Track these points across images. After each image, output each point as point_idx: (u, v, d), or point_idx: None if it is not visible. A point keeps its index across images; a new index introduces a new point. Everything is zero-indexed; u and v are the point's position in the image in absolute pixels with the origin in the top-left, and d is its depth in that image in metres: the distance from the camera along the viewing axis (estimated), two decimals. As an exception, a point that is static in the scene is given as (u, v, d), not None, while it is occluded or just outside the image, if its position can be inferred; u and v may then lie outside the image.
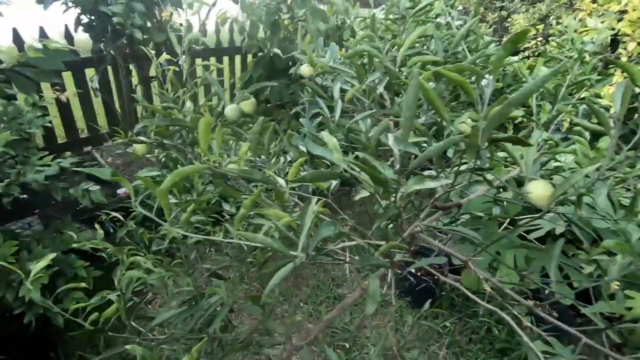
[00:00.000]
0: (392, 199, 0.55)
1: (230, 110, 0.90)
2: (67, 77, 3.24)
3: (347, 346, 2.21)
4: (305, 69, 1.14)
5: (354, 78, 1.00)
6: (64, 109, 3.23)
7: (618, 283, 1.08)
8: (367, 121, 0.88)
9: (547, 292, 2.06)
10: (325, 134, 0.62)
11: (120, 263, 0.76)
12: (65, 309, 1.95)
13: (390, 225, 0.83)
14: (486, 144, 0.61)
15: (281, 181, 0.67)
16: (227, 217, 1.31)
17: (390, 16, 0.96)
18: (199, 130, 0.63)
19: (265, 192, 1.11)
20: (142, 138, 0.91)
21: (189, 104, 0.93)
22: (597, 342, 0.83)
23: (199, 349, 0.60)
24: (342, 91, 1.52)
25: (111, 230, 2.76)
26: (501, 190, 1.02)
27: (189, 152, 1.05)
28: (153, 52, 1.09)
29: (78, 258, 1.98)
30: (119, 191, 2.74)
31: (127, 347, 0.64)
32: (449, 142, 0.50)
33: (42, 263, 0.84)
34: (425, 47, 0.98)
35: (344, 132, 0.86)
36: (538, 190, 0.74)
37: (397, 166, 0.51)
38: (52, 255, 0.88)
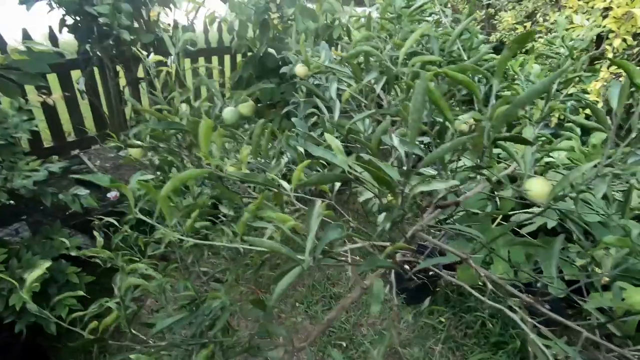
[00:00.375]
0: (397, 199, 0.55)
1: (229, 112, 0.89)
2: (53, 79, 3.18)
3: (344, 345, 2.21)
4: (300, 69, 1.13)
5: (350, 78, 1.00)
6: (50, 112, 3.17)
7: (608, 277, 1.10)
8: (365, 121, 0.88)
9: (539, 285, 2.09)
10: (328, 136, 0.62)
11: (120, 270, 0.75)
12: (58, 316, 1.93)
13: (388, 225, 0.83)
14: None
15: (285, 184, 0.67)
16: (223, 219, 1.30)
17: (387, 15, 0.96)
18: (200, 134, 0.62)
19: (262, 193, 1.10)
20: (137, 142, 0.90)
21: (184, 107, 0.92)
22: (590, 333, 0.84)
23: (206, 356, 0.60)
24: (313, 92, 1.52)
25: (102, 235, 2.72)
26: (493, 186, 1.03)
27: (184, 155, 1.04)
28: (145, 53, 1.07)
29: (69, 264, 1.94)
30: (108, 195, 2.70)
31: (132, 356, 0.63)
32: (457, 142, 0.50)
33: (38, 272, 0.82)
34: (420, 47, 0.98)
35: (342, 132, 0.86)
36: (537, 187, 0.75)
37: (405, 167, 0.51)
38: (47, 264, 0.86)
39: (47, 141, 3.37)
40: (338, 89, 1.10)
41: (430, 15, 1.07)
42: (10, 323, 1.79)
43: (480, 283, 2.62)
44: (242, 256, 1.58)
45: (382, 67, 0.95)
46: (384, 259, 0.59)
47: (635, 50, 2.04)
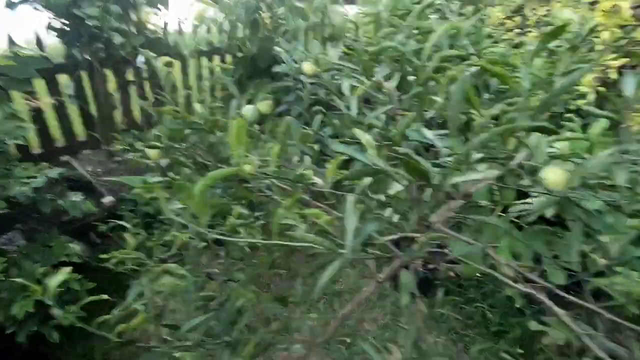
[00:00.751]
0: (432, 190, 0.56)
1: (249, 111, 0.90)
2: (40, 84, 3.10)
3: (348, 341, 2.23)
4: (307, 67, 1.13)
5: (362, 74, 1.01)
6: (38, 117, 3.10)
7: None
8: (381, 117, 0.90)
9: (537, 273, 2.14)
10: (358, 132, 0.63)
11: (147, 272, 0.74)
12: (59, 324, 1.89)
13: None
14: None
15: (319, 180, 0.68)
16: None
17: (398, 12, 0.97)
18: (232, 134, 0.63)
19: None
20: (156, 143, 0.90)
21: (199, 107, 0.92)
22: (585, 319, 0.87)
23: (250, 351, 0.60)
24: (329, 90, 1.53)
25: (98, 241, 2.68)
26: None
27: (197, 155, 1.04)
28: (152, 55, 1.06)
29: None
30: (103, 200, 2.66)
31: (177, 354, 0.63)
32: (494, 132, 0.51)
33: (60, 277, 0.82)
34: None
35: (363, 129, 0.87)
36: (554, 176, 0.77)
37: (444, 159, 0.53)
38: (68, 269, 0.85)
39: (34, 147, 3.30)
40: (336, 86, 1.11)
41: (437, 11, 1.09)
42: (9, 332, 1.76)
43: (478, 274, 2.65)
44: (249, 257, 1.59)
45: (394, 63, 0.97)
46: (419, 250, 0.61)
47: (623, 42, 2.11)
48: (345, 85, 0.96)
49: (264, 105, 0.90)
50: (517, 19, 2.62)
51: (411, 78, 1.00)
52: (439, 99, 0.65)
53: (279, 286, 2.46)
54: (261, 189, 1.08)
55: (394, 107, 0.94)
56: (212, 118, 0.84)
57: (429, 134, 0.58)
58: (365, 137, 0.61)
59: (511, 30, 2.60)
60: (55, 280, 0.80)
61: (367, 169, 0.57)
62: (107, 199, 2.64)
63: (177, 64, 3.41)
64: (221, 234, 0.68)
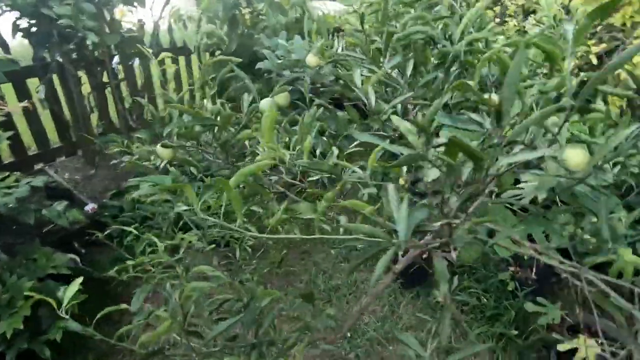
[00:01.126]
0: (481, 173, 0.56)
1: (266, 104, 0.87)
2: (7, 89, 2.93)
3: (349, 335, 2.22)
4: (311, 59, 1.11)
5: (370, 64, 1.00)
6: (7, 124, 2.93)
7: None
8: (398, 105, 0.89)
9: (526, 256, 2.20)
10: (395, 118, 0.61)
11: (181, 275, 0.71)
12: (50, 340, 1.80)
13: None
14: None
15: (358, 170, 0.66)
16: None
17: (405, 0, 0.97)
18: (264, 127, 0.60)
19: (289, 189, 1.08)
20: (167, 142, 0.85)
21: (209, 104, 0.88)
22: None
23: (302, 352, 0.58)
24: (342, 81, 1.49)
25: (82, 251, 2.56)
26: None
27: (207, 153, 1.00)
28: (150, 52, 1.01)
29: (60, 283, 1.82)
30: (86, 208, 2.55)
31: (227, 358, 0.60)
32: (547, 111, 0.51)
33: (73, 288, 0.77)
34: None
35: (382, 119, 0.85)
36: (576, 157, 0.78)
37: (495, 142, 0.52)
38: (79, 280, 0.80)
39: (5, 156, 3.12)
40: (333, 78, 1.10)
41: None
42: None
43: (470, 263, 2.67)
44: (250, 258, 1.55)
45: (405, 51, 0.96)
46: (465, 235, 0.60)
47: (598, 29, 2.18)
48: (357, 75, 0.94)
49: (282, 98, 0.87)
50: (497, 8, 2.67)
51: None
52: (470, 83, 0.64)
53: (276, 285, 2.42)
54: (272, 185, 1.05)
55: (409, 96, 0.94)
56: (226, 113, 0.81)
57: (474, 116, 0.57)
58: (403, 124, 0.60)
59: (493, 19, 2.65)
60: (70, 291, 0.75)
61: (413, 156, 0.55)
62: (90, 207, 2.53)
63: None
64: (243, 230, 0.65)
